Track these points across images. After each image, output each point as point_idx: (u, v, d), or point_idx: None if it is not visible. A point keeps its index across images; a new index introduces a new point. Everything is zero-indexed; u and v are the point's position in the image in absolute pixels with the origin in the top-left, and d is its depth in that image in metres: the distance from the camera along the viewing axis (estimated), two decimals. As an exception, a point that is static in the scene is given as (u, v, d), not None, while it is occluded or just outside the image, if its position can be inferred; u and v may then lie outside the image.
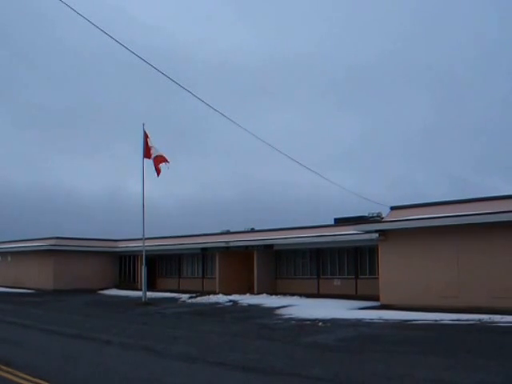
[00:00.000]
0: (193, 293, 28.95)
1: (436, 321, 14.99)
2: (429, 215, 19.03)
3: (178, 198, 68.76)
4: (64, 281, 34.83)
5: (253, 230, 32.43)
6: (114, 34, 14.58)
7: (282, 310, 19.97)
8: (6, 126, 75.55)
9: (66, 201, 67.60)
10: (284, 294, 26.71)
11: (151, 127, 28.54)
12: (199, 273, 34.71)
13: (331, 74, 73.27)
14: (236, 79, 77.83)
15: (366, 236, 22.35)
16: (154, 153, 24.89)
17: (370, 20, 71.67)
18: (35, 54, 75.65)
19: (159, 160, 24.93)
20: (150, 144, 25.04)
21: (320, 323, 15.23)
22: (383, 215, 24.51)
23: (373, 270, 24.77)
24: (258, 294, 27.46)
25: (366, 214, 27.51)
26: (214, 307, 22.28)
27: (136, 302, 24.96)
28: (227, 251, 30.82)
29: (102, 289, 35.18)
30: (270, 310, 19.89)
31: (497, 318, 14.83)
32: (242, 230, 33.38)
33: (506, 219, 17.02)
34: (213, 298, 25.99)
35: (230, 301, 24.53)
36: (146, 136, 25.09)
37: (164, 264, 37.36)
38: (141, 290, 26.72)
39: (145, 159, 25.02)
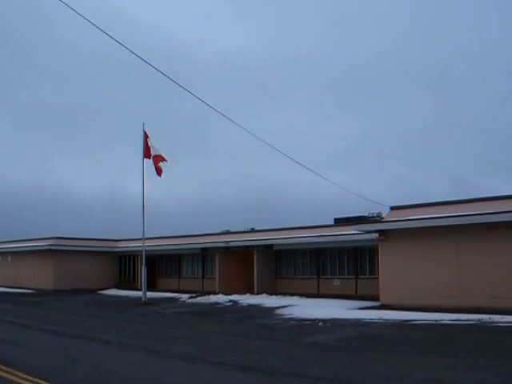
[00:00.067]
0: (193, 293, 28.94)
1: (436, 321, 14.98)
2: (429, 215, 19.02)
3: (178, 197, 68.78)
4: (64, 281, 34.82)
5: (253, 230, 32.43)
6: (113, 33, 14.60)
7: (281, 310, 19.97)
8: (6, 125, 75.62)
9: (66, 201, 67.64)
10: (284, 294, 26.71)
11: (151, 127, 28.54)
12: (199, 273, 34.71)
13: (331, 74, 73.35)
14: (236, 79, 77.91)
15: (366, 236, 22.35)
16: (153, 153, 24.91)
17: (369, 20, 71.78)
18: (35, 53, 75.74)
19: (158, 159, 24.95)
20: (149, 144, 25.05)
21: (320, 323, 15.23)
22: (383, 215, 24.51)
23: (373, 270, 24.77)
24: (258, 294, 27.45)
25: (366, 214, 27.52)
26: (214, 307, 22.28)
27: (136, 301, 24.95)
28: (227, 251, 30.82)
29: (102, 289, 35.17)
30: (270, 310, 19.88)
31: (497, 317, 14.82)
32: (242, 230, 33.38)
33: (506, 219, 17.01)
34: (213, 298, 25.99)
35: (230, 301, 24.53)
36: (145, 136, 25.10)
37: (164, 264, 37.35)
38: (141, 289, 26.71)
39: (145, 159, 25.06)
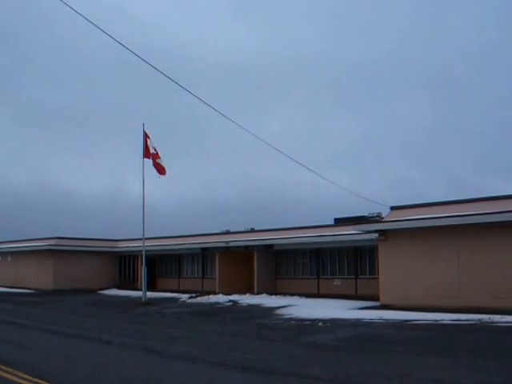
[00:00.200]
0: (193, 293, 28.96)
1: (436, 321, 14.98)
2: (429, 215, 19.03)
3: (178, 197, 68.72)
4: (64, 281, 34.83)
5: (253, 230, 32.43)
6: (113, 33, 14.59)
7: (281, 309, 19.97)
8: (6, 124, 75.63)
9: (66, 201, 67.67)
10: (284, 294, 26.72)
11: (151, 127, 28.50)
12: (199, 273, 34.71)
13: (331, 73, 73.33)
14: (236, 79, 77.94)
15: (366, 236, 22.36)
16: (152, 152, 24.94)
17: (369, 20, 71.75)
18: (35, 52, 75.82)
19: (155, 157, 24.98)
20: (149, 144, 25.06)
21: (320, 323, 15.23)
22: (383, 215, 24.51)
23: (373, 270, 24.77)
24: (258, 293, 27.46)
25: (366, 214, 27.51)
26: (214, 307, 22.28)
27: (136, 302, 24.96)
28: (227, 251, 30.82)
29: (102, 289, 35.18)
30: (270, 310, 19.89)
31: (497, 317, 14.82)
32: (242, 230, 33.37)
33: (505, 219, 17.02)
34: (213, 298, 26.00)
35: (230, 301, 24.54)
36: (145, 136, 25.11)
37: (164, 264, 37.35)
38: (141, 289, 26.72)
39: (145, 159, 25.07)
